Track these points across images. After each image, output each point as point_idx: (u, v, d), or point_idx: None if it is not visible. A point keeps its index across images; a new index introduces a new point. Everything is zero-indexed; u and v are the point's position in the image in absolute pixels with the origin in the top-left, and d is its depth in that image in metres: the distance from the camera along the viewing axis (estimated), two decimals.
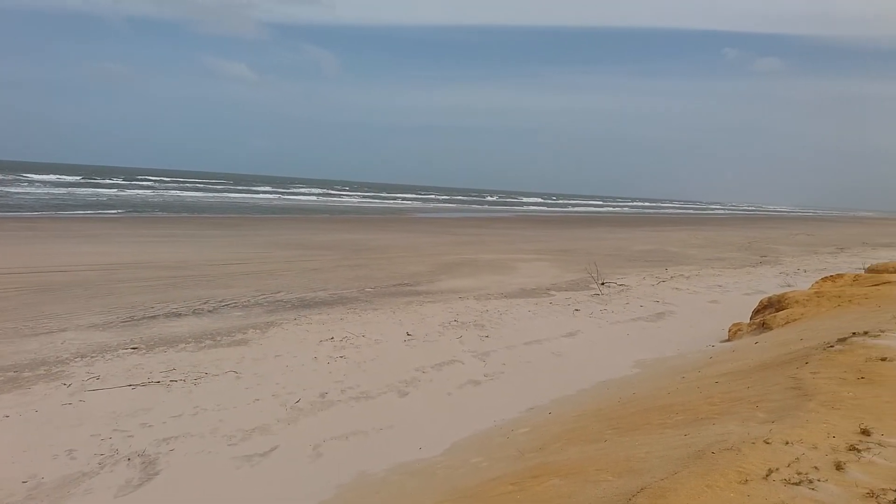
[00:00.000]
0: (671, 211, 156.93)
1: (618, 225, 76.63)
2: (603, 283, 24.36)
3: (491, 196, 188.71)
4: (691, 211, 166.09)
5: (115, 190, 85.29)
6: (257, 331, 15.69)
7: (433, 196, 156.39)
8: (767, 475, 4.56)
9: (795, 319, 14.13)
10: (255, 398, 11.37)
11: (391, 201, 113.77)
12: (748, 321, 16.37)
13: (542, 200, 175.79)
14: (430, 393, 12.04)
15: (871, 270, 24.32)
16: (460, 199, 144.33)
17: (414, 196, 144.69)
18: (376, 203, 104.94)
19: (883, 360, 7.71)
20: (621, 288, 24.20)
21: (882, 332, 9.14)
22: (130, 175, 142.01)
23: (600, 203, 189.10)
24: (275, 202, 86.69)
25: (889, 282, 17.93)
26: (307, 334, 15.50)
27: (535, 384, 12.50)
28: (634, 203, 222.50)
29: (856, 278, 20.35)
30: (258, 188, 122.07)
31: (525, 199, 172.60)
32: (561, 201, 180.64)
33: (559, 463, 6.35)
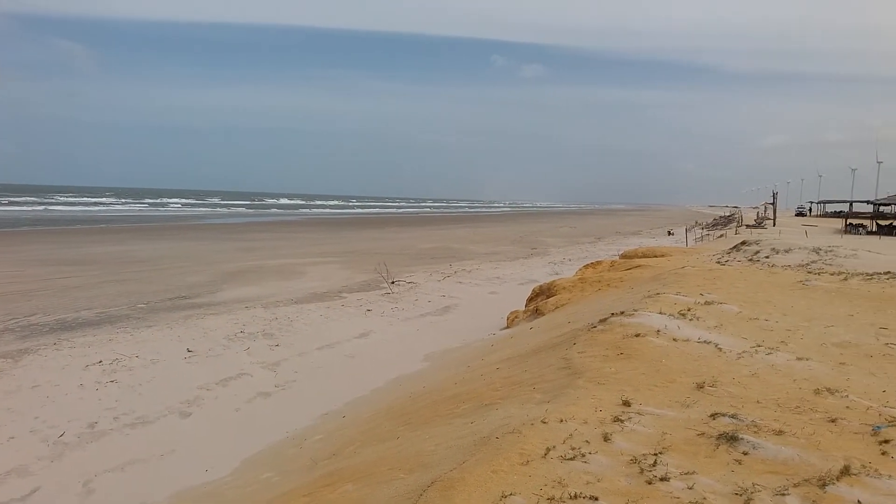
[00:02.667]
0: (454, 210, 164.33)
1: (407, 225, 78.55)
2: (393, 282, 24.74)
3: (289, 199, 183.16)
4: (472, 209, 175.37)
5: None
6: (8, 360, 13.70)
7: (217, 200, 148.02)
8: (546, 454, 4.85)
9: (564, 304, 15.43)
10: (8, 436, 9.91)
11: (163, 208, 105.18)
12: (523, 308, 17.57)
13: (341, 203, 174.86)
14: (216, 411, 11.34)
15: (624, 256, 27.40)
16: (247, 204, 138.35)
17: (193, 201, 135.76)
18: (147, 210, 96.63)
19: (637, 336, 8.64)
20: (410, 285, 24.77)
21: (635, 311, 10.25)
22: None
23: (390, 203, 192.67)
24: (29, 213, 76.39)
25: (639, 265, 20.29)
26: (70, 360, 13.83)
27: (328, 389, 12.30)
28: (424, 203, 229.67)
29: (612, 264, 22.78)
30: (11, 197, 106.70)
31: (320, 203, 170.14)
32: (356, 203, 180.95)
33: (352, 467, 6.26)
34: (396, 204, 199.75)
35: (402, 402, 9.77)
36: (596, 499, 4.13)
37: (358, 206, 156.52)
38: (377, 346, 15.82)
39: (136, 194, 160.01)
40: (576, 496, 4.16)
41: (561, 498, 4.15)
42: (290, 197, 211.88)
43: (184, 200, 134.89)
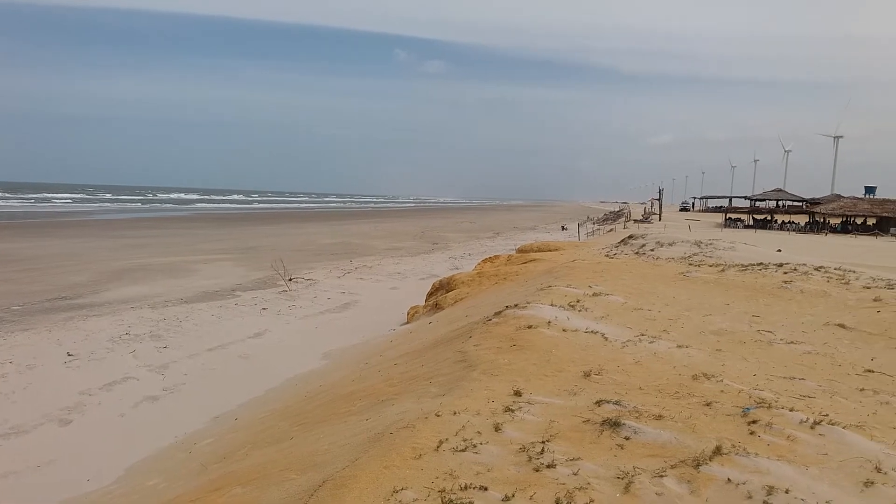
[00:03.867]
0: (357, 205, 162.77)
1: (308, 220, 77.08)
2: (291, 279, 24.23)
3: (184, 194, 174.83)
4: (376, 205, 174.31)
5: None
6: None
7: (108, 196, 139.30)
8: (438, 446, 4.89)
9: (463, 298, 15.63)
10: None
11: (46, 204, 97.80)
12: (424, 303, 17.67)
13: (241, 198, 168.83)
14: (100, 417, 10.73)
15: (520, 251, 28.09)
16: (140, 199, 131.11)
17: (82, 196, 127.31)
18: (30, 206, 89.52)
19: (529, 327, 8.86)
20: (309, 282, 24.35)
21: (528, 303, 10.51)
22: None
23: (292, 199, 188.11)
24: None
25: (534, 259, 20.85)
26: None
27: (220, 391, 11.90)
28: (327, 199, 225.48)
29: (509, 258, 23.30)
30: None
31: (218, 198, 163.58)
32: (257, 198, 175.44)
33: (243, 470, 6.08)
34: (299, 199, 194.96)
35: (297, 402, 9.59)
36: (485, 488, 4.20)
37: (258, 202, 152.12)
38: (273, 345, 15.45)
39: (16, 188, 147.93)
40: (466, 487, 4.21)
41: (451, 489, 4.20)
42: (185, 192, 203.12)
43: (71, 195, 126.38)
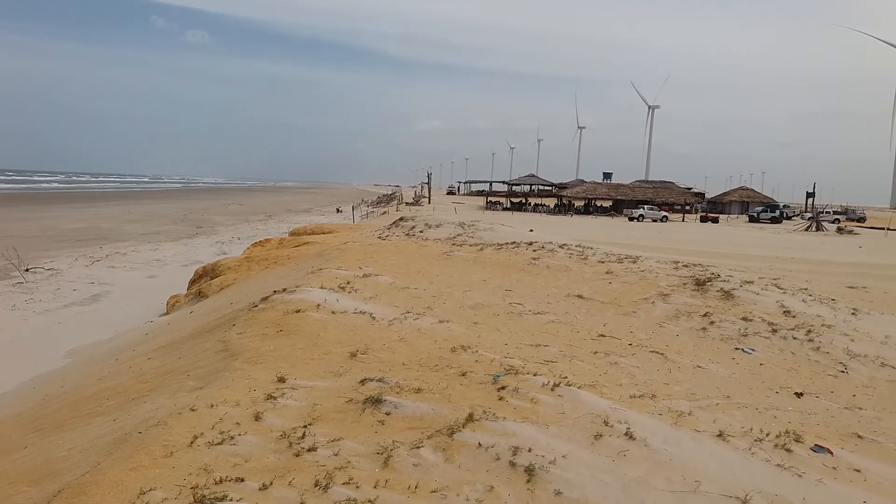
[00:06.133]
0: (113, 185, 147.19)
1: (48, 203, 68.06)
2: (28, 270, 21.35)
3: None
4: (133, 185, 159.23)
5: None
6: None
7: None
8: (192, 442, 4.63)
9: (229, 285, 14.96)
10: None
11: None
12: (186, 292, 16.62)
13: None
14: None
15: (293, 233, 27.57)
16: None
17: None
18: None
19: (298, 311, 8.74)
20: (51, 273, 21.66)
21: (298, 287, 10.35)
22: None
23: (33, 178, 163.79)
24: None
25: (307, 242, 20.60)
26: None
27: None
28: (79, 178, 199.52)
29: (281, 241, 22.78)
30: None
31: None
32: None
33: None
34: (43, 178, 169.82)
35: (34, 407, 8.52)
36: (242, 479, 4.08)
37: None
38: (6, 345, 13.54)
39: None
40: (221, 480, 4.05)
41: (206, 485, 4.01)
42: None
43: None
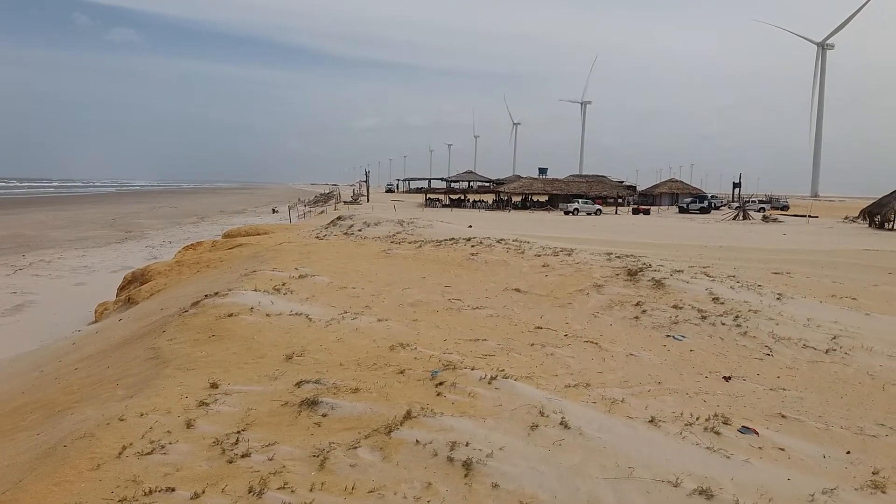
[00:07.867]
0: (33, 192, 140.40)
1: None
2: None
3: None
4: (58, 190, 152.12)
5: None
6: None
7: None
8: (121, 453, 4.48)
9: (160, 290, 14.51)
10: None
11: None
12: (115, 299, 16.06)
13: None
14: None
15: (226, 236, 26.94)
16: None
17: None
18: None
19: (231, 315, 8.54)
20: None
21: (230, 290, 10.12)
22: None
23: None
24: None
25: (241, 244, 20.16)
26: None
27: None
28: None
29: (214, 244, 22.22)
30: None
31: None
32: None
33: None
34: None
35: None
36: (173, 489, 3.97)
37: None
38: None
39: None
40: (150, 491, 3.93)
41: (134, 497, 3.89)
42: None
43: None
